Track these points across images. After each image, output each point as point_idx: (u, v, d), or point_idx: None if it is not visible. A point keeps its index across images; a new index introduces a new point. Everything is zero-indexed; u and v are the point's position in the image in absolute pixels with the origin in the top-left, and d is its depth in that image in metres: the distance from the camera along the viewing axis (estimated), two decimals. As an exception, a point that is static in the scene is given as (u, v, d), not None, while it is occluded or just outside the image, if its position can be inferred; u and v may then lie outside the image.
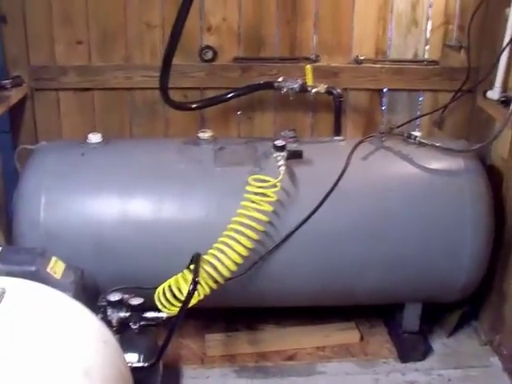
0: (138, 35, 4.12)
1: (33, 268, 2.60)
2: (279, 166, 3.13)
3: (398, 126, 3.65)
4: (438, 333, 3.86)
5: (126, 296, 2.93)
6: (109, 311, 2.87)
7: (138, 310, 2.91)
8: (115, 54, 4.15)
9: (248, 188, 3.10)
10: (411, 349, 3.62)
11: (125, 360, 2.22)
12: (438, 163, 3.41)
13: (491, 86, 3.79)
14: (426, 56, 4.24)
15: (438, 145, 3.42)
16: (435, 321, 3.88)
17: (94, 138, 3.47)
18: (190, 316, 2.89)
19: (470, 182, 3.37)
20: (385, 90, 4.30)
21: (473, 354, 3.69)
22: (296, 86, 3.71)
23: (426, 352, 3.66)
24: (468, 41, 3.94)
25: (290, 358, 3.63)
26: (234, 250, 3.01)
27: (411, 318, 3.57)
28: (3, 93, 3.82)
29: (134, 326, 2.90)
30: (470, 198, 3.34)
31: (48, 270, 2.68)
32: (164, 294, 2.98)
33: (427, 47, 4.22)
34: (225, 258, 3.00)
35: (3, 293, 2.00)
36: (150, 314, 2.93)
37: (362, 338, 3.78)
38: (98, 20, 4.07)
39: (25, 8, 3.99)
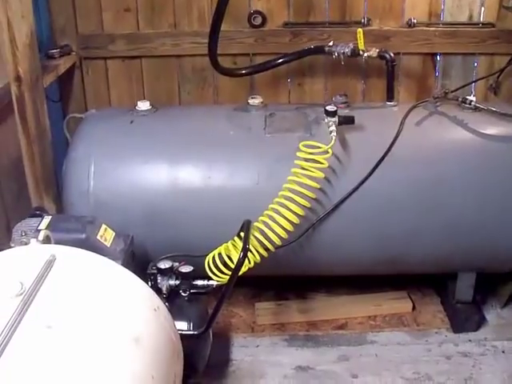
0: (185, 2, 4.11)
1: (83, 236, 2.62)
2: (331, 132, 3.07)
3: (453, 91, 3.54)
4: (492, 304, 3.78)
5: (176, 264, 2.93)
6: (159, 279, 2.88)
7: (188, 278, 2.91)
8: (163, 21, 4.15)
9: (299, 154, 3.05)
10: (464, 319, 3.56)
11: (175, 327, 2.22)
12: (494, 128, 3.31)
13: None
14: (482, 18, 4.12)
15: (493, 109, 3.32)
16: (489, 291, 3.80)
17: (143, 105, 3.45)
18: (240, 284, 2.86)
19: (527, 147, 3.27)
20: (438, 55, 4.20)
21: (528, 326, 3.62)
22: (347, 50, 3.59)
23: (479, 323, 3.59)
24: (526, 1, 3.81)
25: (341, 327, 3.61)
26: (284, 218, 2.98)
27: (464, 287, 3.51)
28: (52, 62, 3.84)
29: (183, 294, 2.90)
30: (526, 164, 3.24)
31: (98, 237, 2.70)
32: (214, 261, 2.97)
33: (483, 9, 4.10)
34: (275, 225, 2.97)
35: (53, 260, 1.99)
36: (199, 282, 2.93)
37: (414, 308, 3.73)
38: (146, -13, 4.05)
39: (72, -24, 3.99)
